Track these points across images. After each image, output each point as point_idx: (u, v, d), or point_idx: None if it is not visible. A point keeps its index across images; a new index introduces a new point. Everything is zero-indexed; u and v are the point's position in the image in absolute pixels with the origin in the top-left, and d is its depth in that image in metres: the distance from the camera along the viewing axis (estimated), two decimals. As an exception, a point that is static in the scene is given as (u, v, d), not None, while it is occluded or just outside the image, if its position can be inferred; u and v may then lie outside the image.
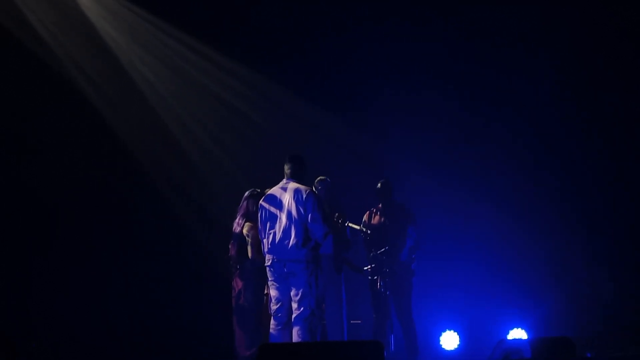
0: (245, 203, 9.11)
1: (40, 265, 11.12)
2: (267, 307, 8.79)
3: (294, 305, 8.42)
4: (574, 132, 12.20)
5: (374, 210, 10.51)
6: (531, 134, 12.36)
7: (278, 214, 8.51)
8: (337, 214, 9.47)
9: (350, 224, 9.88)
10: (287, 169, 8.71)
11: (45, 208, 11.21)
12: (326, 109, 12.19)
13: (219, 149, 12.08)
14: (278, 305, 8.51)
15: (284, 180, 8.69)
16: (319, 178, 9.90)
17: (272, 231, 8.50)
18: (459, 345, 11.41)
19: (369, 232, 10.03)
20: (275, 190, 8.66)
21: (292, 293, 8.44)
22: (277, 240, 8.46)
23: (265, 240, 8.56)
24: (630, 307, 11.50)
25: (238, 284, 9.02)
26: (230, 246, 9.12)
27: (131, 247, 11.47)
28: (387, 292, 9.90)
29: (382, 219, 10.37)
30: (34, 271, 11.08)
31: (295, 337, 8.36)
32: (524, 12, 11.96)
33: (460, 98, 12.34)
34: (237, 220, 9.10)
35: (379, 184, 10.47)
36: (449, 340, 11.43)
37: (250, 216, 8.97)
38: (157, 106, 11.86)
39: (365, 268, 10.13)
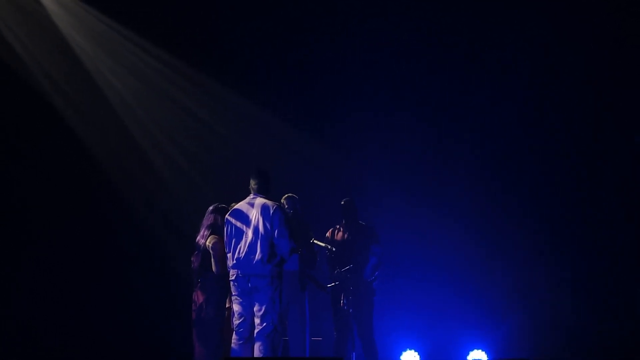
0: (211, 216, 9.02)
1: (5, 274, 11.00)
2: (230, 321, 8.75)
3: (257, 321, 8.40)
4: (539, 157, 12.36)
5: (338, 227, 10.54)
6: (497, 157, 12.51)
7: (244, 228, 8.49)
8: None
9: (315, 241, 9.89)
10: (253, 184, 8.71)
11: (9, 216, 11.07)
12: (295, 126, 12.24)
13: (186, 161, 12.05)
14: (240, 320, 8.48)
15: (251, 195, 8.68)
16: (286, 195, 9.90)
17: (238, 246, 8.47)
18: (419, 364, 11.47)
19: (333, 249, 10.03)
20: (242, 205, 8.64)
21: (255, 308, 8.41)
22: (242, 255, 8.43)
23: (230, 255, 8.52)
24: (590, 329, 11.63)
25: (199, 297, 8.91)
26: (193, 258, 9.02)
27: (94, 256, 11.37)
28: (350, 310, 9.91)
29: (345, 236, 10.40)
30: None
31: (256, 353, 8.33)
32: (491, 33, 12.15)
33: (429, 121, 12.47)
34: (201, 232, 9.00)
35: (343, 202, 10.53)
36: (410, 359, 11.46)
37: (216, 229, 8.91)
38: (125, 116, 11.83)
39: (329, 285, 10.13)
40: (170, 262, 11.18)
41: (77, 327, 11.09)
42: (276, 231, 8.42)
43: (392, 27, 12.19)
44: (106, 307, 11.28)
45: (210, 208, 9.10)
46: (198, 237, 9.00)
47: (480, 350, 11.42)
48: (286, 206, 9.67)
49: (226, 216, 8.68)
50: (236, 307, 8.51)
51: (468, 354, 11.39)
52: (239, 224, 8.53)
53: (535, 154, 12.41)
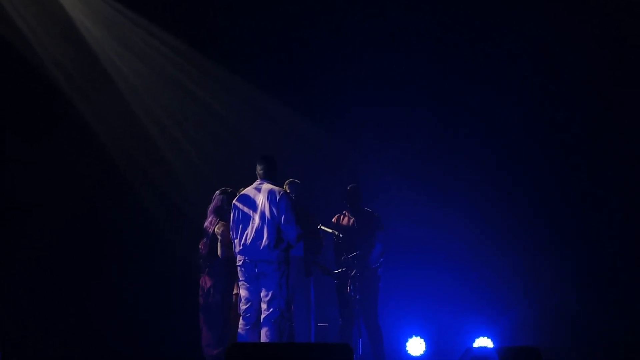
0: (218, 199, 9.08)
1: (8, 264, 11.00)
2: (236, 306, 8.77)
3: (264, 306, 8.42)
4: (545, 148, 12.36)
5: (344, 213, 10.52)
6: (503, 148, 12.51)
7: (251, 214, 8.50)
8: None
9: (322, 227, 9.89)
10: (259, 169, 8.72)
11: (14, 204, 11.07)
12: (301, 113, 12.24)
13: (193, 148, 12.06)
14: (247, 305, 8.50)
15: (258, 181, 8.69)
16: (289, 180, 9.89)
17: (245, 231, 8.48)
18: (425, 351, 11.45)
19: (340, 235, 10.02)
20: (249, 191, 8.66)
21: (262, 294, 8.44)
22: (249, 240, 8.44)
23: (237, 241, 8.53)
24: (595, 318, 11.63)
25: (207, 282, 8.97)
26: (201, 245, 9.06)
27: (101, 243, 11.38)
28: (357, 296, 9.91)
29: (351, 222, 10.39)
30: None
31: (263, 338, 8.36)
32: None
33: (435, 110, 12.46)
34: (209, 218, 9.05)
35: (349, 187, 10.50)
36: (416, 346, 11.47)
37: (223, 214, 8.94)
38: (134, 103, 11.82)
39: (337, 271, 10.13)
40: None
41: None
42: (283, 217, 8.43)
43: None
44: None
45: (217, 192, 9.16)
46: (206, 223, 9.04)
47: (486, 338, 11.41)
48: (288, 190, 9.67)
49: (233, 201, 8.69)
50: (243, 293, 8.52)
51: (474, 341, 11.38)
52: (245, 209, 8.54)
53: (543, 146, 12.40)
